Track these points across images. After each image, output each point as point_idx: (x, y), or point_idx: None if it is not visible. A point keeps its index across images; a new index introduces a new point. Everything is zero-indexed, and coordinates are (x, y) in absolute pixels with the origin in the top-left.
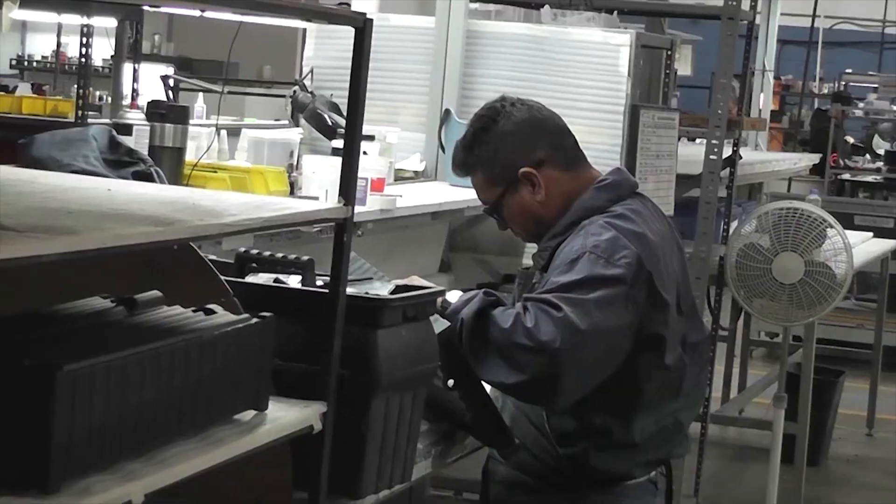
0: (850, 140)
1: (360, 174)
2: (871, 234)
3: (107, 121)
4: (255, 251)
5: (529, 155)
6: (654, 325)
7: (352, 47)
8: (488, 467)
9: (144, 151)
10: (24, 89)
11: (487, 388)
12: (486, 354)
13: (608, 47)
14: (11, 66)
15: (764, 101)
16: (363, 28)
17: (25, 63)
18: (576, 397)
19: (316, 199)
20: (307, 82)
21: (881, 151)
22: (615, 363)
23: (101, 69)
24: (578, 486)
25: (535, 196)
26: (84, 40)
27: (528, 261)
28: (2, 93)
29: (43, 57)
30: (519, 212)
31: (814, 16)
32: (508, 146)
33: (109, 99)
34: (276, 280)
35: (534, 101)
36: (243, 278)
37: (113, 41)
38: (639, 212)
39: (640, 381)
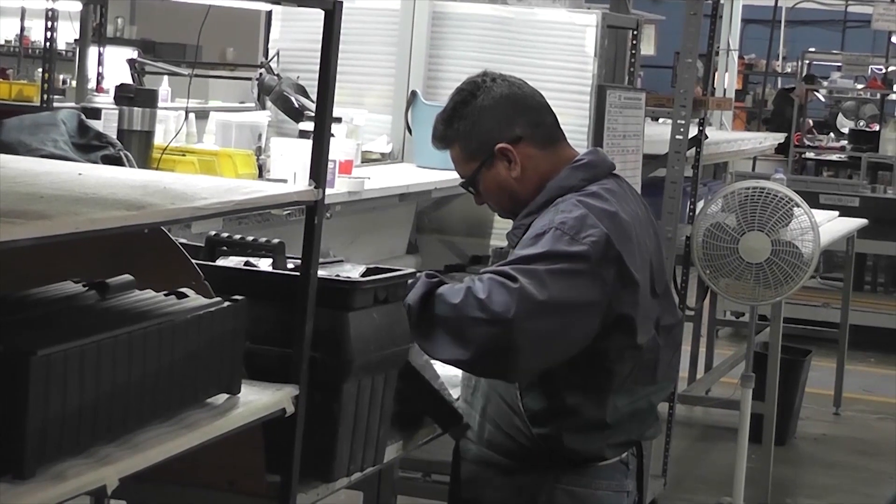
0: (811, 122)
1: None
2: (836, 212)
3: (75, 105)
4: (225, 234)
5: (507, 131)
6: (624, 306)
7: (318, 29)
8: (460, 446)
9: (113, 135)
10: None
11: (438, 365)
12: (437, 334)
13: (574, 28)
14: None
15: (728, 80)
16: (332, 10)
17: None
18: (533, 370)
19: (285, 181)
20: (273, 65)
21: (845, 130)
22: (577, 340)
23: (64, 53)
24: (550, 466)
25: (510, 172)
26: (49, 24)
27: (496, 241)
28: None
29: (6, 41)
30: (494, 187)
31: None
32: (486, 121)
33: (73, 82)
34: (246, 263)
35: (515, 78)
36: (214, 261)
37: (77, 25)
38: (613, 191)
39: (611, 362)
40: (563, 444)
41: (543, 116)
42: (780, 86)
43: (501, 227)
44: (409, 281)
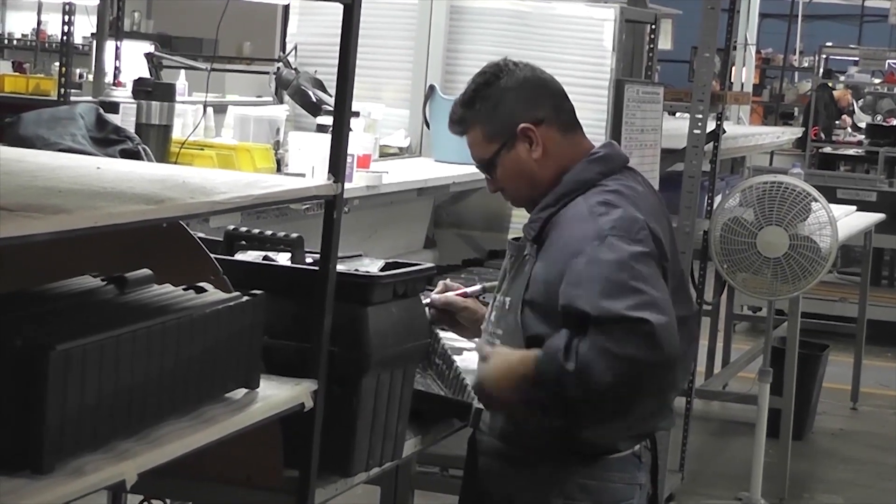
0: (848, 120)
1: None
2: (854, 207)
3: (93, 99)
4: (243, 229)
5: (530, 112)
6: None
7: (335, 23)
8: (475, 437)
9: (131, 129)
10: (4, 67)
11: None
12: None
13: (593, 22)
14: None
15: (746, 75)
16: (352, 4)
17: (5, 41)
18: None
19: (302, 175)
20: (290, 59)
21: (862, 124)
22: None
23: (81, 47)
24: (564, 458)
25: (531, 154)
26: (66, 18)
27: (513, 236)
28: None
29: (23, 35)
30: (513, 169)
31: None
32: (510, 102)
33: (90, 76)
34: (265, 258)
35: (535, 65)
36: (232, 256)
37: (93, 18)
38: (631, 187)
39: None
40: (578, 436)
41: (564, 102)
42: (797, 80)
43: (519, 221)
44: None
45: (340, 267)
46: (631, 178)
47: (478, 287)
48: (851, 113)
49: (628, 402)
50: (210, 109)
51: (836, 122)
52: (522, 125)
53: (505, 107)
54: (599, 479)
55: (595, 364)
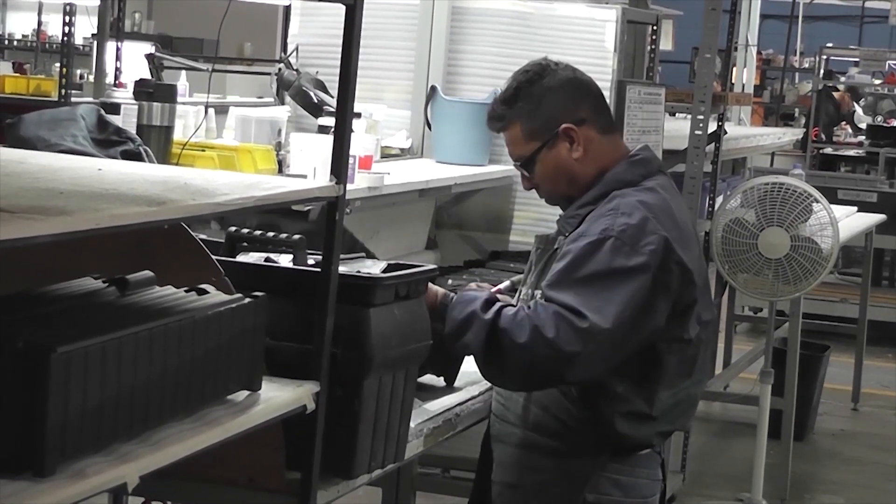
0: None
1: None
2: (855, 208)
3: (94, 100)
4: (245, 230)
5: (572, 112)
6: (684, 302)
7: (336, 24)
8: (501, 431)
9: (132, 131)
10: (4, 68)
11: None
12: (502, 369)
13: (594, 23)
14: None
15: (747, 75)
16: (354, 5)
17: (6, 42)
18: (598, 378)
19: (304, 177)
20: (292, 60)
21: (863, 125)
22: (643, 340)
23: (81, 48)
24: (599, 452)
25: (571, 153)
26: (67, 18)
27: (515, 237)
28: None
29: (23, 35)
30: (552, 169)
31: None
32: (553, 101)
33: (90, 77)
34: (267, 259)
35: (575, 66)
36: (234, 257)
37: (93, 19)
38: (667, 188)
39: (661, 354)
40: (615, 429)
41: (603, 104)
42: (797, 81)
43: (521, 222)
44: (465, 310)
45: (342, 268)
46: (666, 181)
47: (507, 283)
48: (852, 114)
49: (514, 374)
50: (211, 110)
51: (836, 128)
52: (565, 125)
53: (548, 106)
54: (630, 474)
55: (515, 328)
